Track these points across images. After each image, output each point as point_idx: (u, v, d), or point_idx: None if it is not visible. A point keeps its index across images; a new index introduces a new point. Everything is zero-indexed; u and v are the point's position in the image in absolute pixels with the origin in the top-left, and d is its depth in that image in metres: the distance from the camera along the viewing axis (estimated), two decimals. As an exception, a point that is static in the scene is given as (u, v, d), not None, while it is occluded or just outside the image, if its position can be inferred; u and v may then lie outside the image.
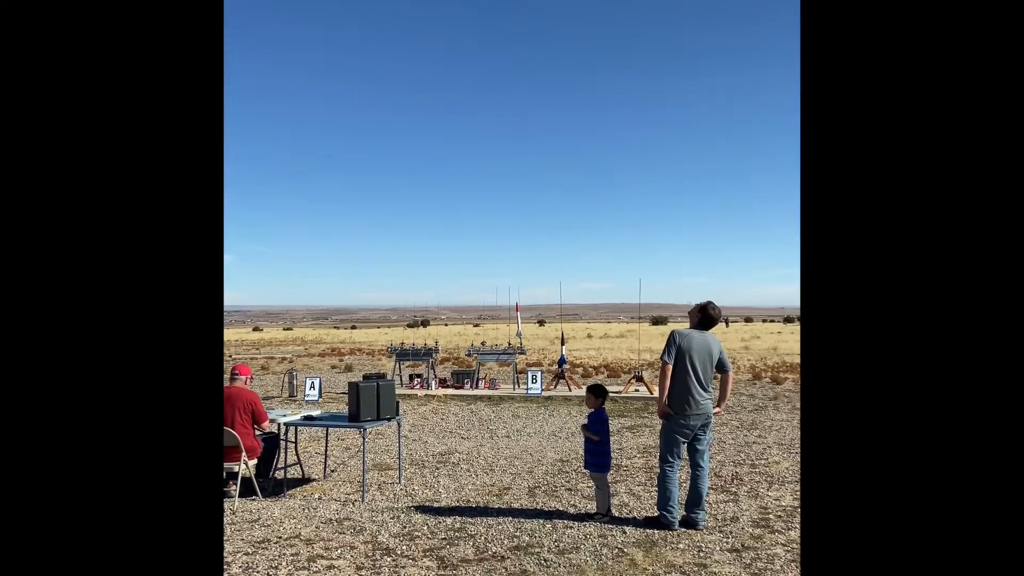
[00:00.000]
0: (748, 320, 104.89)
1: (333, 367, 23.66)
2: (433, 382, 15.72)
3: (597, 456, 5.66)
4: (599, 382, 13.30)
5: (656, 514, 5.42)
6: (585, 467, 5.86)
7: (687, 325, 5.63)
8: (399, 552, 4.85)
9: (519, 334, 18.13)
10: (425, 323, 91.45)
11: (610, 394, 6.32)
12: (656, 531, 5.24)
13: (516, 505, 6.08)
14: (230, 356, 30.28)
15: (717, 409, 5.46)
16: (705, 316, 5.43)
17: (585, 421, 5.81)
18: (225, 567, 4.57)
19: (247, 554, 4.86)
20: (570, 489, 6.64)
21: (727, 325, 67.13)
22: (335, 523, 5.59)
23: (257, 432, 6.67)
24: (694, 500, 5.35)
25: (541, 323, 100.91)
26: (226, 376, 6.56)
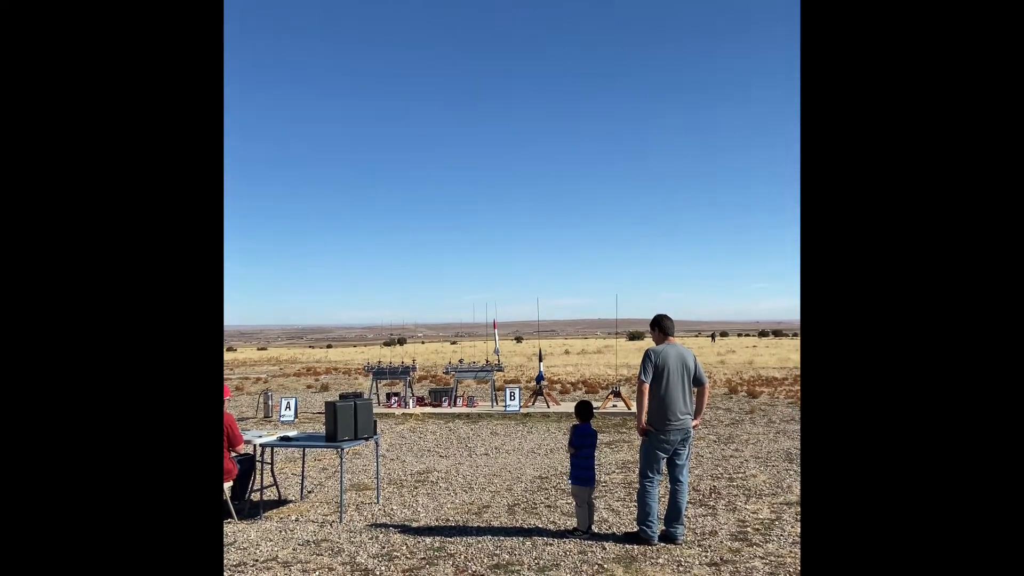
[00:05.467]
0: (724, 334, 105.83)
1: (309, 387, 23.39)
2: (411, 400, 15.61)
3: (581, 469, 5.70)
4: (579, 399, 13.36)
5: (636, 529, 5.44)
6: (571, 480, 5.88)
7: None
8: (378, 573, 4.80)
9: (497, 351, 18.10)
10: (402, 341, 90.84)
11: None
12: (636, 546, 5.25)
13: (496, 523, 6.05)
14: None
15: (695, 422, 5.51)
16: (662, 328, 5.59)
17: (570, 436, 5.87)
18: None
19: (222, 578, 4.78)
20: (550, 506, 6.62)
21: (713, 340, 67.36)
22: (312, 545, 5.52)
23: (232, 454, 6.58)
24: (673, 515, 5.37)
25: (519, 340, 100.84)
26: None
